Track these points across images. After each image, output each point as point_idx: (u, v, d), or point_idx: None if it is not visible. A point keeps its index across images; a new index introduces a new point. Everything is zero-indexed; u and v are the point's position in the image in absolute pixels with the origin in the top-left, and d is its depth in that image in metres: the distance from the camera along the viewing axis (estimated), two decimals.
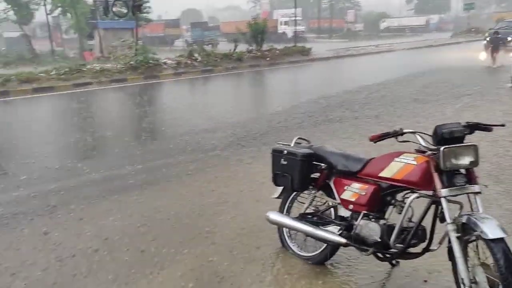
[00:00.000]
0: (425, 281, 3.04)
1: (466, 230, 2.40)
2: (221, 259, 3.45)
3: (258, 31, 21.39)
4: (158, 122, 9.08)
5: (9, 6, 32.31)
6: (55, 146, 7.28)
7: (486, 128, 2.62)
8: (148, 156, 6.45)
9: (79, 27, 32.09)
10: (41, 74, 14.81)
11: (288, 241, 3.52)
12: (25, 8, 33.09)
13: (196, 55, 18.98)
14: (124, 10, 23.59)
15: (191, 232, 3.93)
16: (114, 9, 21.38)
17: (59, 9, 33.40)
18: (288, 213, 3.50)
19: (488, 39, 18.43)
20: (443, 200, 2.45)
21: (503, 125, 2.80)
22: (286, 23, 47.48)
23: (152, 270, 3.32)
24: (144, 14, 31.29)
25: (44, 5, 30.59)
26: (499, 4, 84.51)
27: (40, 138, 7.74)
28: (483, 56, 16.97)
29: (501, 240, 2.25)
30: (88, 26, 31.21)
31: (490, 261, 2.32)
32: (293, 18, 32.27)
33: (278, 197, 3.53)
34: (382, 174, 2.75)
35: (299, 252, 3.42)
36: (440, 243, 2.63)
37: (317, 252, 3.29)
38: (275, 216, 3.39)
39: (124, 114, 10.34)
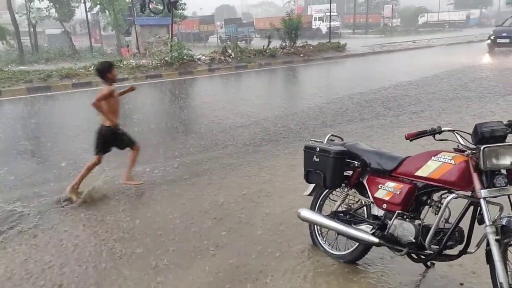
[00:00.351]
0: (461, 284, 2.96)
1: (506, 232, 2.32)
2: (252, 254, 3.47)
3: (292, 27, 21.23)
4: (193, 118, 9.20)
5: (51, 4, 33.52)
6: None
7: None
8: (184, 150, 6.55)
9: (116, 24, 32.96)
10: (80, 70, 15.28)
11: (319, 239, 3.49)
12: (66, 6, 34.29)
13: (229, 51, 19.07)
14: (160, 7, 23.95)
15: (230, 224, 3.99)
16: (150, 6, 21.73)
17: (98, 6, 34.40)
18: (320, 210, 3.47)
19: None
20: (482, 201, 2.38)
21: None
22: (320, 18, 46.94)
23: (192, 259, 3.39)
24: (180, 11, 31.69)
25: (84, 2, 31.54)
26: None
27: (74, 131, 7.98)
28: None
29: None
30: (125, 23, 32.00)
31: None
32: (328, 14, 31.90)
33: (310, 194, 3.52)
34: (418, 173, 2.68)
35: (330, 250, 3.39)
36: (478, 245, 2.55)
37: (348, 251, 3.25)
38: (306, 213, 3.37)
39: (159, 109, 10.53)
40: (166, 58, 16.69)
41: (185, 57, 17.00)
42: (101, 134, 4.86)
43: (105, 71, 4.94)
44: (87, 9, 32.68)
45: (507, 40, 20.99)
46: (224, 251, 3.55)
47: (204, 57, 18.10)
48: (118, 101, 5.02)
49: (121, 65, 16.01)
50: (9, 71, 15.12)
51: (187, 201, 4.64)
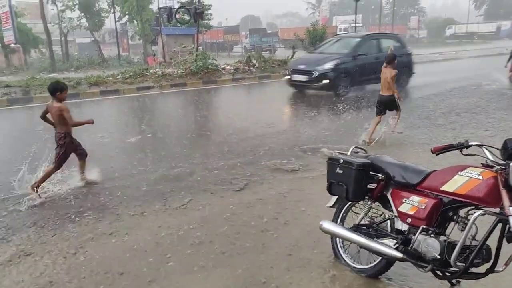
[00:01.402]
0: None
1: None
2: (273, 264, 3.46)
3: (317, 38, 21.27)
4: (215, 126, 9.29)
5: (82, 14, 34.59)
6: (118, 145, 7.65)
7: None
8: (204, 158, 6.61)
9: (143, 33, 33.65)
10: (108, 78, 15.64)
11: (341, 252, 3.45)
12: (96, 16, 35.34)
13: (253, 61, 19.19)
14: (187, 17, 24.42)
15: (251, 236, 3.99)
16: (177, 16, 22.18)
17: (127, 16, 35.26)
18: (342, 223, 3.43)
19: None
20: (511, 219, 2.30)
21: None
22: (345, 29, 46.79)
23: (206, 265, 3.40)
24: (205, 21, 32.16)
25: (114, 13, 32.38)
26: None
27: (101, 138, 8.16)
28: None
29: None
30: (152, 32, 32.67)
31: None
32: (353, 25, 31.78)
33: (332, 206, 3.48)
34: (444, 188, 2.63)
35: (352, 264, 3.34)
36: (507, 264, 2.47)
37: (371, 265, 3.19)
38: (328, 225, 3.33)
39: (182, 117, 10.65)
40: (191, 67, 16.91)
41: (209, 66, 17.19)
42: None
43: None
44: (116, 19, 33.55)
45: (303, 77, 12.50)
46: (241, 259, 3.55)
47: (228, 67, 18.26)
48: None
49: (147, 73, 16.32)
50: (40, 78, 15.64)
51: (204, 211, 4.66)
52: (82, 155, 5.53)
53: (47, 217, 4.54)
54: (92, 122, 5.50)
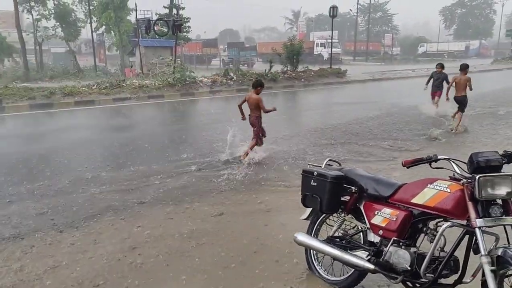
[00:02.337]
0: None
1: (502, 263, 2.31)
2: (247, 275, 3.45)
3: (294, 53, 21.54)
4: (190, 137, 9.24)
5: (58, 23, 34.08)
6: (88, 156, 7.52)
7: None
8: (178, 169, 6.57)
9: (121, 44, 33.41)
10: (84, 88, 15.44)
11: (315, 264, 3.47)
12: (72, 25, 34.86)
13: (231, 74, 19.30)
14: (165, 29, 24.36)
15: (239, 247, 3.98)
16: (155, 28, 22.12)
17: (104, 27, 34.94)
18: (316, 235, 3.46)
19: None
20: (477, 231, 2.37)
21: None
22: (322, 45, 47.71)
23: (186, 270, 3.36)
24: (184, 34, 32.18)
25: (90, 23, 32.06)
26: None
27: (72, 149, 8.01)
28: None
29: None
30: (130, 43, 32.47)
31: None
32: (329, 40, 32.36)
33: (306, 219, 3.51)
34: (414, 201, 2.69)
35: (325, 276, 3.36)
36: (474, 275, 2.52)
37: (344, 277, 3.22)
38: (302, 237, 3.35)
39: (157, 128, 10.56)
40: (168, 79, 16.88)
41: (187, 78, 17.20)
42: None
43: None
44: (93, 29, 33.21)
45: None
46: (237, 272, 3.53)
47: (206, 79, 18.30)
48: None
49: (124, 84, 16.19)
50: (13, 87, 15.28)
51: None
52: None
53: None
54: (276, 109, 7.41)
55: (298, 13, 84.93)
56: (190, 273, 3.52)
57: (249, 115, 7.30)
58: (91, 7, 32.30)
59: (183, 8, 33.61)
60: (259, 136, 7.28)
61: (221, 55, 47.64)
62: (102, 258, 3.79)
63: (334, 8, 24.08)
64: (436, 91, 11.32)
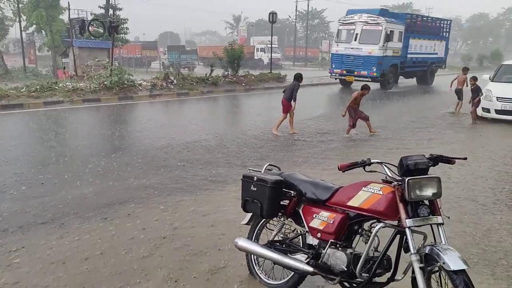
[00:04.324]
0: None
1: (429, 260, 2.44)
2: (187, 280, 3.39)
3: (235, 57, 21.59)
4: (126, 142, 8.95)
5: None
6: (17, 163, 7.05)
7: (449, 160, 2.72)
8: (117, 176, 6.34)
9: (53, 45, 31.74)
10: (11, 91, 14.45)
11: (256, 269, 3.48)
12: None
13: (171, 78, 18.95)
14: (101, 30, 23.51)
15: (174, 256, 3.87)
16: (90, 28, 21.24)
17: (34, 26, 33.02)
18: (257, 240, 3.48)
19: None
20: (407, 231, 2.50)
21: (465, 158, 2.91)
22: (262, 49, 48.28)
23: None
24: (121, 35, 31.23)
25: (19, 21, 30.15)
26: (466, 41, 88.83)
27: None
28: None
29: (462, 272, 2.29)
30: (63, 44, 30.93)
31: None
32: (270, 45, 32.86)
33: (247, 224, 3.52)
34: (350, 203, 2.78)
35: (266, 280, 3.39)
36: (405, 273, 2.66)
37: (284, 280, 3.26)
38: (243, 242, 3.35)
39: (92, 133, 10.07)
40: (105, 82, 16.22)
41: (125, 81, 16.63)
42: None
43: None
44: (22, 28, 31.26)
45: None
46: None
47: (145, 83, 17.83)
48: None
49: (56, 87, 15.34)
50: None
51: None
52: (364, 118, 9.83)
53: None
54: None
55: (238, 18, 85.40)
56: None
57: (349, 105, 9.60)
58: (20, 5, 30.40)
59: (120, 9, 32.69)
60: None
61: (161, 58, 46.75)
62: None
63: (273, 14, 24.44)
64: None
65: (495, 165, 7.24)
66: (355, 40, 20.95)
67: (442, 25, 26.46)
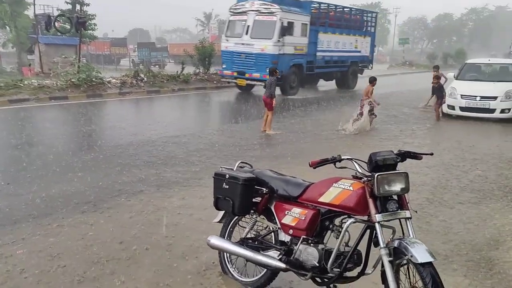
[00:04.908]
0: None
1: (398, 254, 2.49)
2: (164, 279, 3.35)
3: (206, 55, 21.47)
4: (94, 140, 8.75)
5: None
6: None
7: (416, 156, 2.79)
8: (85, 176, 6.19)
9: (18, 41, 30.70)
10: None
11: (229, 266, 3.48)
12: None
13: (142, 75, 18.65)
14: (68, 26, 22.87)
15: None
16: (56, 24, 20.61)
17: None
18: (229, 237, 3.47)
19: None
20: (377, 225, 2.55)
21: (431, 154, 3.00)
22: None
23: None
24: (89, 31, 30.49)
25: None
26: (431, 40, 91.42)
27: None
28: None
29: (429, 264, 2.36)
30: (29, 40, 29.97)
31: (420, 284, 2.42)
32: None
33: (219, 221, 3.51)
34: (321, 199, 2.81)
35: (239, 277, 3.39)
36: (374, 267, 2.71)
37: (257, 277, 3.27)
38: (215, 240, 3.34)
39: (58, 132, 9.79)
40: (72, 79, 15.80)
41: (93, 79, 16.25)
42: None
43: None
44: None
45: None
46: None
47: (114, 80, 17.48)
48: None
49: (22, 84, 14.83)
50: None
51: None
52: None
53: None
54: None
55: (209, 15, 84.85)
56: None
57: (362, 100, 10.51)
58: None
59: (87, 5, 31.90)
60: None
61: (130, 55, 45.93)
62: None
63: None
64: None
65: (459, 161, 7.48)
66: (246, 34, 16.73)
67: (365, 18, 22.35)
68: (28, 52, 30.44)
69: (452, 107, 12.28)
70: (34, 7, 26.03)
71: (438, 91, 12.46)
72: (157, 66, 37.76)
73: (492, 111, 11.71)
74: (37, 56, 23.87)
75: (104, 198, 5.32)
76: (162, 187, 5.81)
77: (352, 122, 10.14)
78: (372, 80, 10.76)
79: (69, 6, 30.53)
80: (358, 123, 10.04)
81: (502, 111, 11.64)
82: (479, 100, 11.82)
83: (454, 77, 13.50)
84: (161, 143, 8.46)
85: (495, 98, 11.69)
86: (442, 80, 13.17)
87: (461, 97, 12.08)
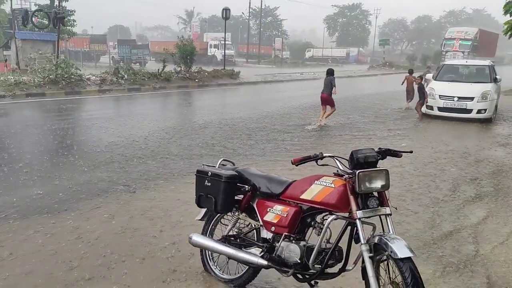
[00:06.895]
0: None
1: (378, 250, 2.52)
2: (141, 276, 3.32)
3: (187, 53, 21.35)
4: (71, 138, 8.61)
5: None
6: None
7: (396, 154, 2.83)
8: (62, 175, 6.08)
9: None
10: None
11: (211, 264, 3.47)
12: None
13: (122, 72, 18.44)
14: (46, 22, 22.41)
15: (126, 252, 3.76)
16: (34, 19, 20.18)
17: None
18: (211, 235, 3.46)
19: None
20: (358, 222, 2.56)
21: (411, 152, 3.05)
22: (216, 46, 48.06)
23: None
24: (68, 27, 29.91)
25: None
26: (411, 41, 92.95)
27: None
28: None
29: (409, 259, 2.39)
30: (5, 35, 29.22)
31: (399, 279, 2.45)
32: (223, 42, 32.72)
33: (201, 219, 3.49)
34: (303, 196, 2.82)
35: (221, 275, 3.39)
36: (355, 263, 2.73)
37: (238, 274, 3.27)
38: (197, 238, 3.33)
39: (34, 130, 9.60)
40: (50, 76, 15.51)
41: (72, 75, 15.98)
42: None
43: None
44: None
45: None
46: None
47: (94, 77, 17.23)
48: None
49: None
50: None
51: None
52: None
53: None
54: None
55: (191, 13, 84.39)
56: None
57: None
58: None
59: (66, 0, 31.25)
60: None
61: (111, 52, 45.26)
62: None
63: (226, 10, 24.40)
64: None
65: (438, 159, 7.63)
66: None
67: None
68: (4, 48, 29.62)
69: (431, 107, 12.50)
70: (11, 1, 25.36)
71: (420, 91, 12.78)
72: (138, 64, 37.30)
73: (469, 111, 11.97)
74: (13, 52, 23.26)
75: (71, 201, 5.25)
76: (138, 187, 5.76)
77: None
78: (411, 72, 14.53)
79: (48, 1, 29.87)
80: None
81: (479, 111, 11.90)
82: (457, 101, 12.08)
83: (433, 78, 13.76)
84: (142, 140, 8.38)
85: (472, 98, 11.95)
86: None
87: (439, 97, 12.31)
